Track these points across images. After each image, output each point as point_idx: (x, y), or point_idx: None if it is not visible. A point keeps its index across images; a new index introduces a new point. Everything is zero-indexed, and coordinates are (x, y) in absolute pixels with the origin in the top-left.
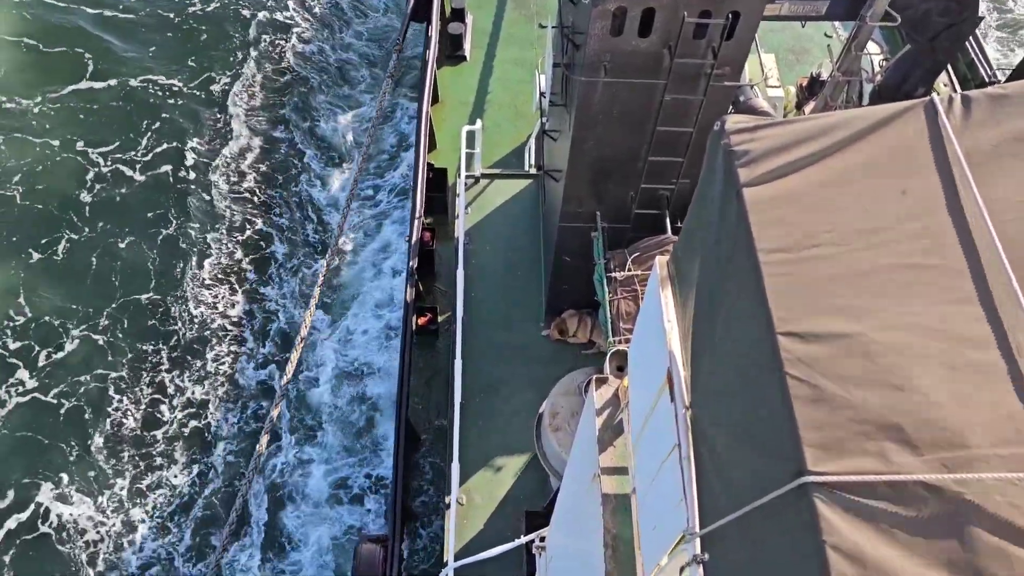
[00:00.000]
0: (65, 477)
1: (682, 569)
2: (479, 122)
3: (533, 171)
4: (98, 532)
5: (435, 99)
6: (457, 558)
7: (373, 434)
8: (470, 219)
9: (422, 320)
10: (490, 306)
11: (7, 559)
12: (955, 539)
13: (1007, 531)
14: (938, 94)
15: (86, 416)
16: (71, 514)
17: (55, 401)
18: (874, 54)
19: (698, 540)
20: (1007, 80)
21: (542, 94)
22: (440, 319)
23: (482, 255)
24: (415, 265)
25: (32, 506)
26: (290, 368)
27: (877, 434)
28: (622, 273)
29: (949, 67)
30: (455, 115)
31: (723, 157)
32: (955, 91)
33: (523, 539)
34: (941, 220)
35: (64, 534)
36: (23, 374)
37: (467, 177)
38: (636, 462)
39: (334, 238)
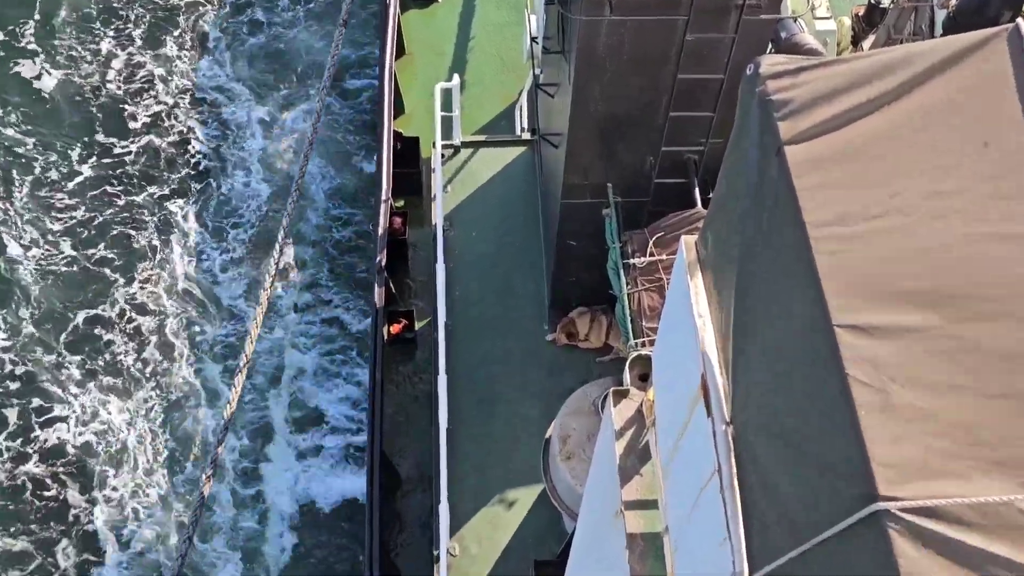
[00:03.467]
0: None
1: None
2: (457, 78)
3: (526, 136)
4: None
5: (400, 51)
6: None
7: (341, 473)
8: (450, 199)
9: (395, 328)
10: (480, 306)
11: None
12: None
13: None
14: None
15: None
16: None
17: None
18: None
19: None
20: None
21: (533, 39)
22: (418, 325)
23: (467, 243)
24: (384, 260)
25: None
26: (234, 395)
27: (961, 450)
28: (642, 259)
29: None
30: (426, 70)
31: (759, 108)
32: None
33: None
34: None
35: None
36: None
37: (444, 147)
38: (667, 493)
39: (282, 231)
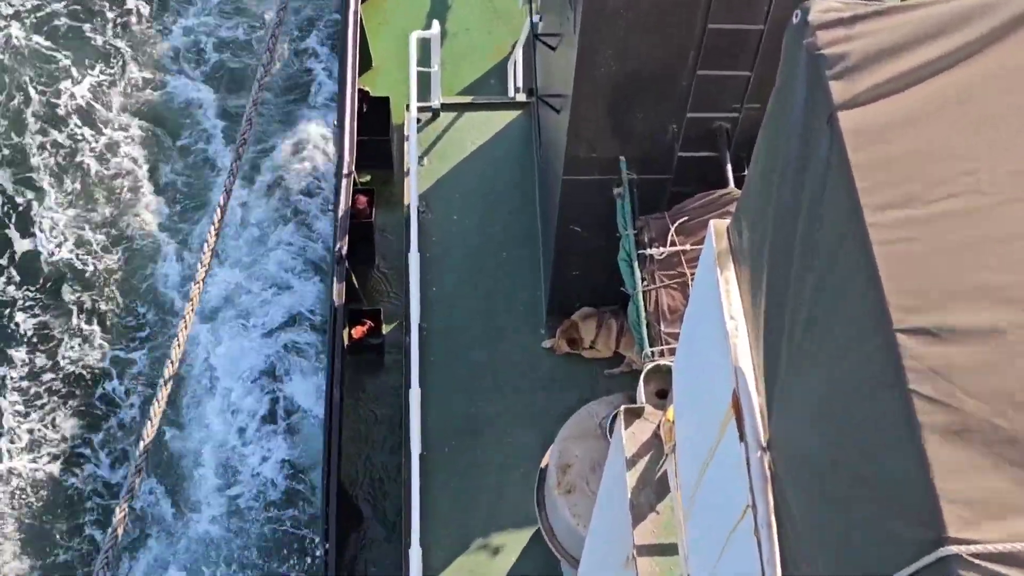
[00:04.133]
0: None
1: None
2: (437, 25)
3: (521, 98)
4: None
5: None
6: None
7: (293, 510)
8: (427, 174)
9: (358, 331)
10: (462, 306)
11: None
12: None
13: None
14: None
15: None
16: None
17: None
18: None
19: None
20: None
21: None
22: (386, 328)
23: (447, 229)
24: (344, 248)
25: None
26: (156, 412)
27: None
28: (661, 249)
29: None
30: (399, 14)
31: (807, 65)
32: None
33: None
34: None
35: None
36: None
37: (421, 110)
38: (689, 535)
39: (218, 208)
